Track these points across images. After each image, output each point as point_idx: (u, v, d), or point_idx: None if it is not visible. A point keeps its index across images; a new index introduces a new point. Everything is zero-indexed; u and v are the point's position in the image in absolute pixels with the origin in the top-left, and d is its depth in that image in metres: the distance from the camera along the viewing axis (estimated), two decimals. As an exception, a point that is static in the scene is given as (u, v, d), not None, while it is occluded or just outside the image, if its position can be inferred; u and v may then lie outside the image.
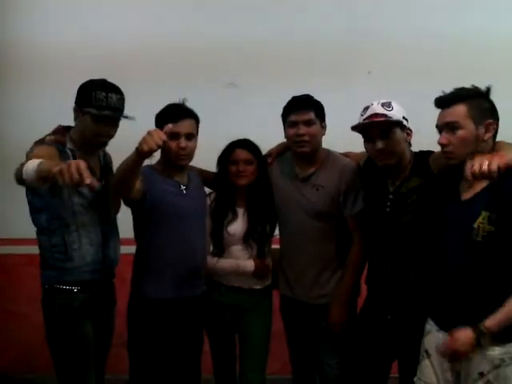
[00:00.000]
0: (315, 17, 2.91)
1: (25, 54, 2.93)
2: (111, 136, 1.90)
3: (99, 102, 1.82)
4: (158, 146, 1.65)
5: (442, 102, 1.67)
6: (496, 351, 1.58)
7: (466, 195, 1.67)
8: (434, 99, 1.69)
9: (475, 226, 1.59)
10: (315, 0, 2.94)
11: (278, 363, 2.50)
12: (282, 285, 2.23)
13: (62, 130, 1.90)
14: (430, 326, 1.77)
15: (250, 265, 2.14)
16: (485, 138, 1.63)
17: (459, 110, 1.62)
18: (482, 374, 1.60)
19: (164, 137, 1.66)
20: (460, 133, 1.62)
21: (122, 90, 1.90)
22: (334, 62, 2.89)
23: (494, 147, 1.65)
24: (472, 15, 2.88)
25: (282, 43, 2.88)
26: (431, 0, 2.90)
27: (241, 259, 2.15)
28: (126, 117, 1.88)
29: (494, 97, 1.67)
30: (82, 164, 1.41)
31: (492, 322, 1.55)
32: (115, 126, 1.89)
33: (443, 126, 1.65)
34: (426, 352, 1.76)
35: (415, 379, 1.79)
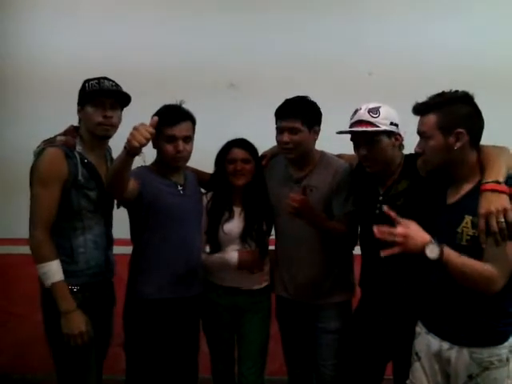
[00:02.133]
0: (315, 21, 2.91)
1: (25, 68, 2.93)
2: (113, 124, 1.89)
3: (93, 88, 1.87)
4: (147, 140, 1.65)
5: (417, 111, 1.68)
6: (485, 354, 1.58)
7: (452, 199, 1.68)
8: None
9: (459, 230, 1.60)
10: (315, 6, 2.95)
11: (277, 364, 2.50)
12: (277, 286, 2.23)
13: (72, 131, 1.92)
14: (420, 328, 1.77)
15: (234, 256, 2.10)
16: (455, 148, 1.61)
17: (429, 120, 1.63)
18: (470, 377, 1.60)
19: (151, 129, 1.67)
20: (430, 143, 1.63)
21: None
22: (335, 63, 2.90)
23: (480, 154, 1.64)
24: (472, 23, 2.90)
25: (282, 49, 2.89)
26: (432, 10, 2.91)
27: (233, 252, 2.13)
28: (122, 94, 1.90)
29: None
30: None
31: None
32: (114, 109, 1.89)
33: (419, 134, 1.68)
34: (417, 354, 1.76)
35: (407, 382, 1.79)
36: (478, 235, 1.52)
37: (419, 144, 1.68)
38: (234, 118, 2.80)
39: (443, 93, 1.65)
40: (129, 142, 1.65)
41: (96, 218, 1.91)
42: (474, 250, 1.56)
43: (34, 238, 1.80)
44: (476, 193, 1.57)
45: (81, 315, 1.82)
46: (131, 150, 1.67)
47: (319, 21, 2.91)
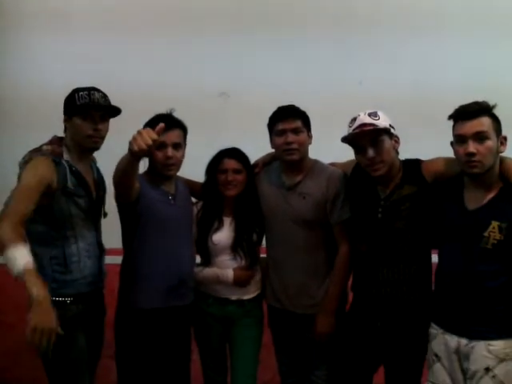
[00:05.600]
0: (308, 32, 2.94)
1: (19, 91, 2.93)
2: (102, 136, 1.89)
3: (83, 100, 1.85)
4: (148, 145, 1.63)
5: (468, 113, 1.71)
6: (501, 345, 1.65)
7: (473, 205, 1.74)
8: (454, 111, 1.74)
9: (486, 234, 1.69)
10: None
11: (269, 373, 2.50)
12: (269, 295, 2.21)
13: (57, 140, 1.91)
14: (435, 330, 1.82)
15: (230, 274, 2.13)
16: (500, 151, 1.73)
17: (487, 122, 1.70)
18: (487, 369, 1.66)
19: (155, 136, 1.64)
20: (488, 143, 1.68)
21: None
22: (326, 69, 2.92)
23: (502, 164, 1.74)
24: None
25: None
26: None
27: (229, 269, 2.14)
28: (113, 107, 1.89)
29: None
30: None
31: None
32: (104, 122, 1.89)
33: (470, 136, 1.69)
34: (436, 355, 1.81)
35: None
36: (504, 239, 1.65)
37: (472, 145, 1.68)
38: (224, 127, 2.81)
39: (480, 102, 1.72)
40: (130, 144, 1.65)
41: (87, 225, 1.90)
42: (498, 253, 1.69)
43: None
44: (502, 199, 1.71)
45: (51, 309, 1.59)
46: (133, 154, 1.67)
47: (312, 33, 2.93)
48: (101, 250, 1.98)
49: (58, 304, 1.79)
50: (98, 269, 1.94)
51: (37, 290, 1.55)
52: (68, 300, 1.84)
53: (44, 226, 1.83)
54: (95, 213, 1.96)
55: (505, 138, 1.73)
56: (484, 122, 1.69)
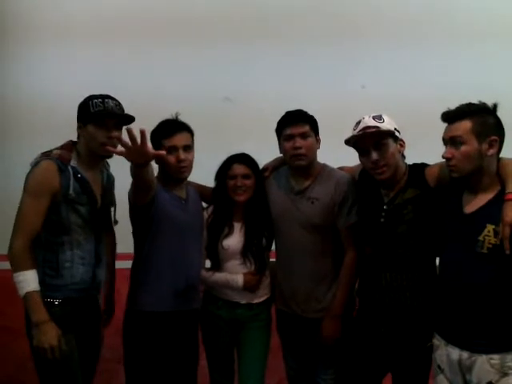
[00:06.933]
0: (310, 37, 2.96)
1: (25, 107, 2.95)
2: (115, 144, 1.88)
3: (97, 108, 1.85)
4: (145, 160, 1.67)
5: (448, 117, 1.70)
6: (503, 360, 1.61)
7: (470, 209, 1.71)
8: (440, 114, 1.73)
9: (480, 238, 1.64)
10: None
11: (275, 378, 2.50)
12: (278, 299, 2.22)
13: (69, 146, 1.92)
14: (438, 341, 1.79)
15: (240, 279, 2.13)
16: (488, 154, 1.67)
17: (464, 126, 1.66)
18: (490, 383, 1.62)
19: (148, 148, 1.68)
20: (463, 148, 1.66)
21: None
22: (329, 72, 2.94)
23: (498, 164, 1.70)
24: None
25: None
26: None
27: (239, 274, 2.15)
28: (127, 116, 1.90)
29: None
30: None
31: None
32: (117, 130, 1.89)
33: (448, 140, 1.70)
34: (439, 367, 1.78)
35: None
36: (500, 243, 1.58)
37: (448, 150, 1.69)
38: (227, 132, 2.82)
39: (471, 103, 1.70)
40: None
41: (85, 233, 1.90)
42: (493, 257, 1.63)
43: (13, 246, 1.79)
44: (498, 202, 1.63)
45: (53, 328, 1.77)
46: (134, 165, 1.69)
47: (314, 38, 2.95)
48: (97, 259, 1.96)
49: (46, 305, 1.81)
50: (92, 277, 1.93)
51: (37, 314, 1.76)
52: (56, 302, 1.85)
53: (41, 229, 1.83)
54: (97, 221, 1.95)
55: (495, 140, 1.67)
56: (459, 127, 1.66)
